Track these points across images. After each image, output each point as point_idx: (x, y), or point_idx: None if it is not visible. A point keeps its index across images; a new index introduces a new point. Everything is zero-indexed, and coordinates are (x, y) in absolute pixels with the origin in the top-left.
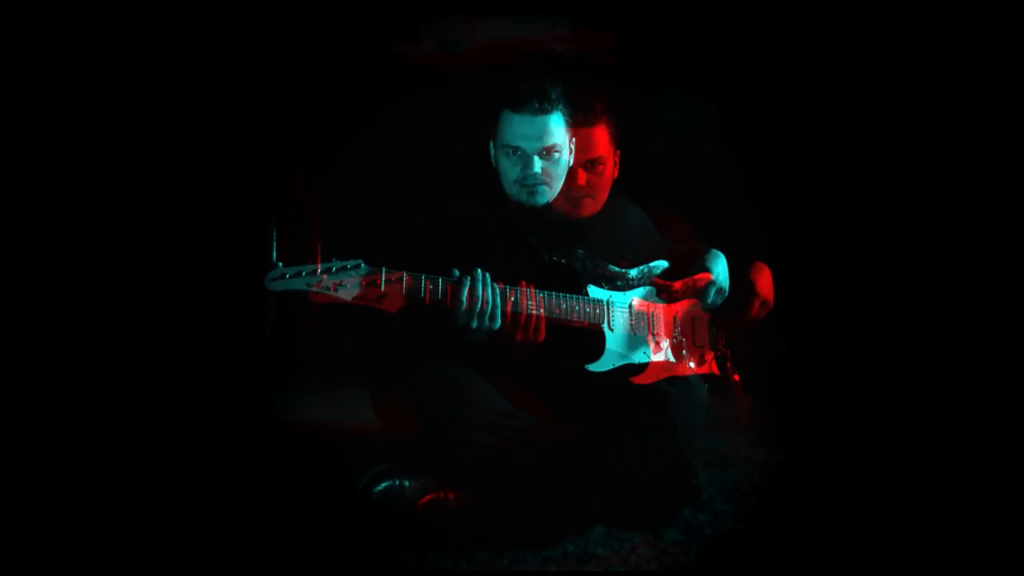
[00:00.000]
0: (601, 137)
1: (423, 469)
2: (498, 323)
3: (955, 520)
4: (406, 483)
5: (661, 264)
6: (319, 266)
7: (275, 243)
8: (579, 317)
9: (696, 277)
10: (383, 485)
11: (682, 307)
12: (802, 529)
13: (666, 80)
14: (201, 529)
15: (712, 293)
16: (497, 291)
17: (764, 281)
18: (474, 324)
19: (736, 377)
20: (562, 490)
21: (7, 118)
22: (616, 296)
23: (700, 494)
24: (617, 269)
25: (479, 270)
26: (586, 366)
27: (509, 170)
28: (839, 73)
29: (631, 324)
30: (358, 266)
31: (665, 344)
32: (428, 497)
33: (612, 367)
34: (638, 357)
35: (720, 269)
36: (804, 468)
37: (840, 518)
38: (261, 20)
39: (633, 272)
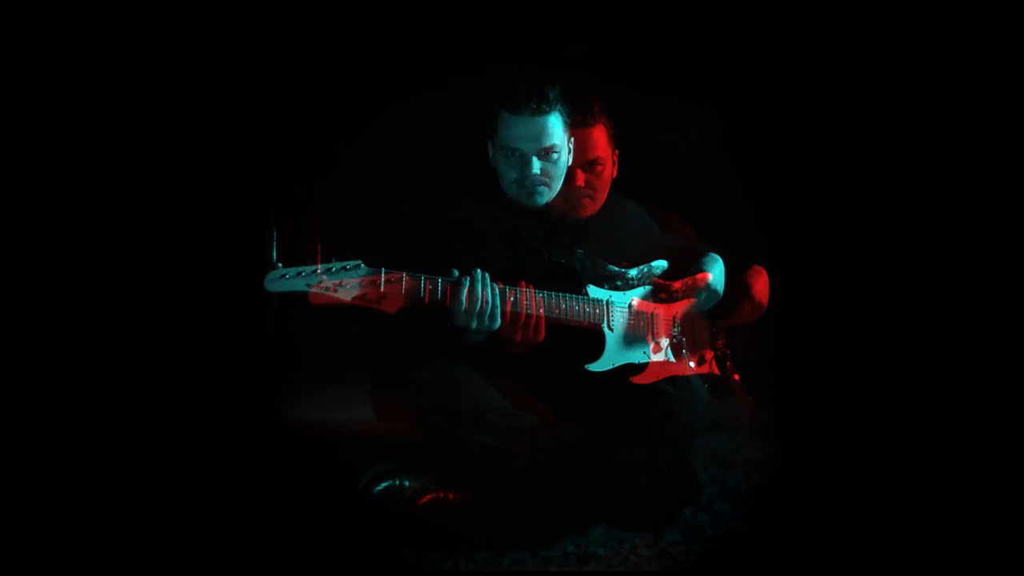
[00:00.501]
0: (600, 137)
1: (423, 469)
2: (498, 323)
3: (955, 519)
4: (406, 483)
5: (661, 264)
6: (319, 267)
7: (275, 243)
8: (579, 317)
9: (696, 277)
10: (383, 485)
11: (682, 307)
12: (802, 529)
13: (666, 80)
14: (201, 529)
15: (704, 295)
16: (497, 291)
17: (759, 285)
18: (474, 324)
19: (736, 377)
20: (562, 490)
21: (12, 120)
22: (616, 296)
23: (701, 494)
24: (617, 269)
25: (478, 270)
26: (586, 366)
27: (508, 171)
28: (838, 74)
29: (631, 324)
30: (358, 266)
31: (665, 344)
32: (428, 497)
33: (612, 367)
34: (638, 357)
35: (715, 272)
36: (804, 468)
37: (840, 518)
38: (262, 21)
39: (633, 272)
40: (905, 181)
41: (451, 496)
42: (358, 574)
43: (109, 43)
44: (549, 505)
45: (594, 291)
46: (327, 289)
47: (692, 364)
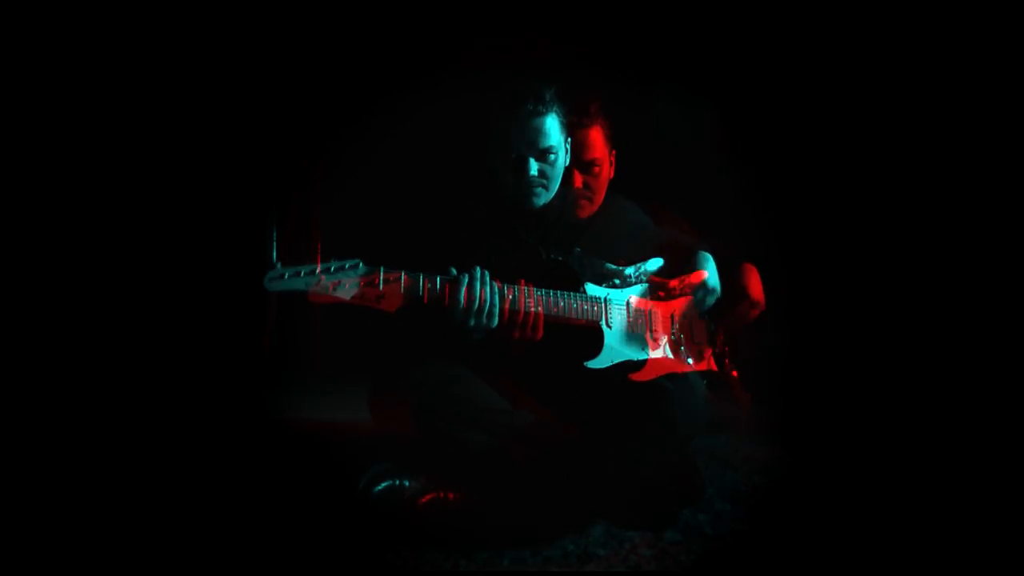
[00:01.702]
0: (597, 138)
1: (423, 469)
2: (496, 321)
3: (955, 518)
4: (406, 483)
5: (656, 262)
6: (318, 266)
7: (275, 243)
8: (577, 315)
9: (694, 274)
10: (383, 485)
11: (680, 304)
12: (802, 529)
13: (664, 80)
14: (201, 528)
15: (702, 294)
16: (495, 289)
17: (754, 284)
18: (472, 322)
19: (735, 374)
20: (561, 489)
21: (15, 122)
22: (614, 294)
23: (704, 494)
24: (615, 267)
25: (477, 268)
26: (584, 363)
27: (505, 172)
28: (837, 74)
29: (629, 321)
30: (356, 266)
31: (663, 341)
32: (428, 497)
33: (610, 364)
34: (636, 354)
35: (709, 271)
36: (804, 468)
37: (840, 517)
38: (262, 22)
39: (630, 270)
40: (903, 181)
41: (451, 496)
42: (358, 574)
43: (112, 45)
44: (549, 505)
45: (592, 289)
46: (326, 288)
47: (691, 361)
